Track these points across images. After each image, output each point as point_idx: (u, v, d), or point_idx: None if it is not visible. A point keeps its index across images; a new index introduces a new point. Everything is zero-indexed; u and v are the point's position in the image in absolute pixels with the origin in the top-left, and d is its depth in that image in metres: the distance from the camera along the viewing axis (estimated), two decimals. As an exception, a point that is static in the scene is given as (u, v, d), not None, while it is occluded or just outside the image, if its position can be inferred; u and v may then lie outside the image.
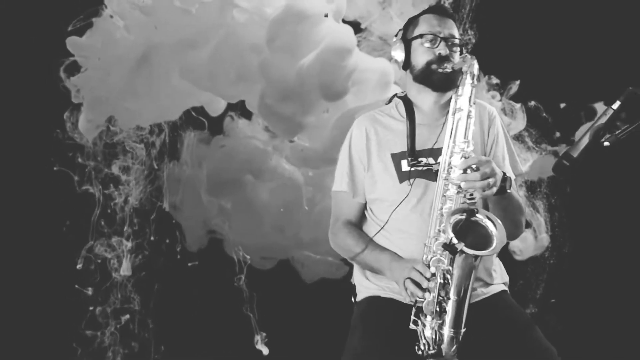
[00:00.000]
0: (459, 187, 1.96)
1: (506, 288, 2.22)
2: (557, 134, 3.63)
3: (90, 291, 3.52)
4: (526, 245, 3.60)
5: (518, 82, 3.50)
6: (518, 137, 3.53)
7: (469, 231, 1.88)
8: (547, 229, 3.61)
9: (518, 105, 3.48)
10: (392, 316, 2.05)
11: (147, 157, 3.58)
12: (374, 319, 2.10)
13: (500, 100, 3.48)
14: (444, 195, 2.00)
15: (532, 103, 3.52)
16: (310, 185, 3.53)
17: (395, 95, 2.28)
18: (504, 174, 2.00)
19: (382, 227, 2.16)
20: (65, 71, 3.36)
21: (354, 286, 2.28)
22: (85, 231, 3.53)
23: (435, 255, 1.94)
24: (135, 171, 3.57)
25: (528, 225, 3.61)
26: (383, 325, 2.05)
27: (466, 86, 2.03)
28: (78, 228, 3.53)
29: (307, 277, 3.67)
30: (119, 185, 3.58)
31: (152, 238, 3.63)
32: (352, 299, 2.27)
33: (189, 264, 3.65)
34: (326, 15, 3.07)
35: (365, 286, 2.21)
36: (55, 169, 3.51)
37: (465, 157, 1.98)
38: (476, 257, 1.85)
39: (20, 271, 3.57)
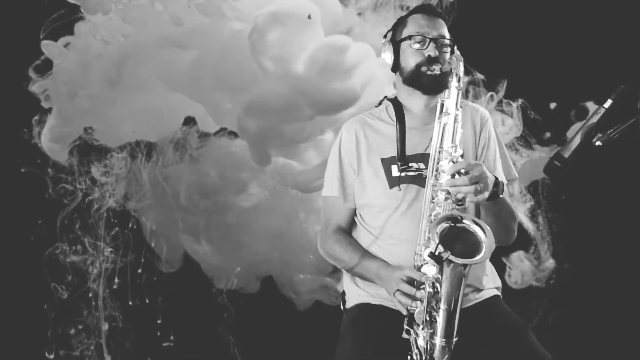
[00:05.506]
0: (448, 192, 1.95)
1: (499, 293, 2.20)
2: (548, 135, 3.64)
3: (65, 295, 3.47)
4: (524, 271, 3.60)
5: (505, 83, 3.49)
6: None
7: (457, 239, 1.86)
8: (549, 250, 3.62)
9: (515, 105, 3.48)
10: (383, 323, 2.04)
11: (131, 160, 3.53)
12: (365, 326, 2.08)
13: (500, 103, 3.48)
14: (433, 202, 1.99)
15: (520, 101, 3.53)
16: (300, 200, 3.48)
17: (385, 97, 2.27)
18: (496, 178, 1.98)
19: (377, 235, 2.14)
20: (36, 71, 3.31)
21: (343, 293, 2.26)
22: (54, 235, 3.47)
23: (426, 263, 1.91)
24: (116, 176, 3.51)
25: (527, 248, 3.62)
26: (374, 332, 2.04)
27: (452, 89, 2.03)
28: (49, 233, 3.47)
29: (300, 303, 3.61)
30: (96, 187, 3.52)
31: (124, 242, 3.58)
32: (342, 307, 2.25)
33: (164, 344, 3.59)
34: (309, 17, 3.03)
35: (354, 293, 2.19)
36: (22, 170, 3.43)
37: (453, 162, 1.96)
38: (465, 265, 1.83)
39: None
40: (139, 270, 3.56)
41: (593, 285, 3.56)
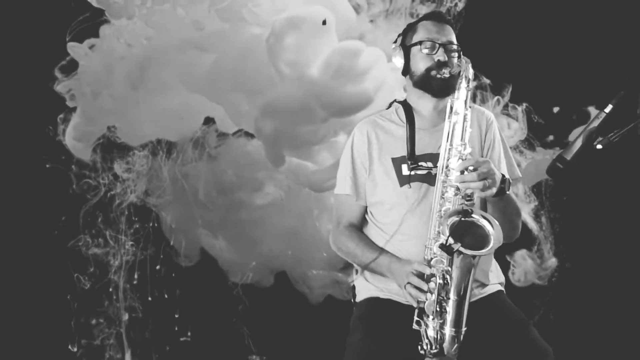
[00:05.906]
0: (457, 188, 1.99)
1: (502, 288, 2.25)
2: (551, 137, 3.63)
3: (87, 285, 3.51)
4: (527, 269, 3.63)
5: (510, 88, 3.52)
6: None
7: (466, 232, 1.90)
8: (552, 250, 3.65)
9: (520, 109, 3.52)
10: (392, 317, 2.09)
11: (152, 158, 3.57)
12: (374, 319, 2.12)
13: (506, 107, 3.52)
14: (443, 197, 2.02)
15: (525, 105, 3.56)
16: (313, 199, 3.50)
17: (395, 100, 2.32)
18: (503, 175, 2.03)
19: (396, 231, 2.17)
20: (61, 71, 3.36)
21: (353, 287, 2.31)
22: (77, 228, 3.52)
23: (436, 256, 1.95)
24: (137, 173, 3.54)
25: (530, 247, 3.62)
26: (383, 326, 2.08)
27: (461, 90, 2.07)
28: (73, 226, 3.52)
29: (312, 297, 3.62)
30: (118, 182, 3.56)
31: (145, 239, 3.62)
32: (352, 300, 2.29)
33: (181, 339, 3.63)
34: (324, 22, 3.07)
35: (364, 287, 2.23)
36: (47, 166, 3.49)
37: (462, 159, 2.01)
38: (474, 256, 1.87)
39: (13, 271, 3.55)
40: (157, 267, 3.59)
41: (594, 284, 3.57)
